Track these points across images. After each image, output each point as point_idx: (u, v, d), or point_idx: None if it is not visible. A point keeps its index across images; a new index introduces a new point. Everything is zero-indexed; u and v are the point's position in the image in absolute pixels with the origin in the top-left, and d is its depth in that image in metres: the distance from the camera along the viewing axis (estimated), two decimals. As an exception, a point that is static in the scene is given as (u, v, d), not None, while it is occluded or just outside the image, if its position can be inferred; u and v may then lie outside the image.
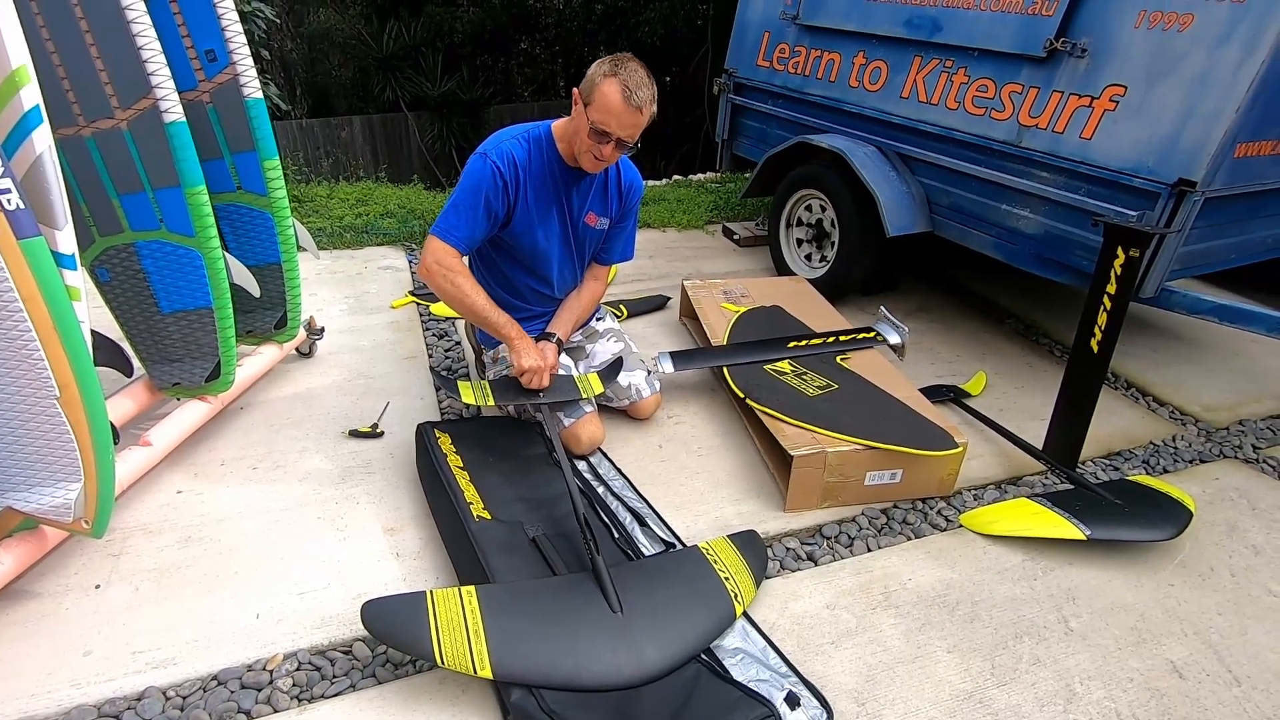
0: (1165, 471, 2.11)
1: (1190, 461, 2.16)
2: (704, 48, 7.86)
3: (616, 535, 1.67)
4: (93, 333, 1.42)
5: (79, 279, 1.29)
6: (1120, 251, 1.76)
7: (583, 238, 2.00)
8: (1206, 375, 2.69)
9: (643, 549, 1.66)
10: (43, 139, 1.20)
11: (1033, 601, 1.59)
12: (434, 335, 2.68)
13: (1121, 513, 1.77)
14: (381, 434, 2.05)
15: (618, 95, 1.64)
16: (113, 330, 1.87)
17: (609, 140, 1.70)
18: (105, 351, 1.77)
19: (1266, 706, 1.38)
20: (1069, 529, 1.71)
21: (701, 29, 7.90)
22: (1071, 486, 1.94)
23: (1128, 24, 2.11)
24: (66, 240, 1.27)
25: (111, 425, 1.42)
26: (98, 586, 1.52)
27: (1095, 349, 1.86)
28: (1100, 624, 1.54)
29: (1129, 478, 2.01)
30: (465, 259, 1.89)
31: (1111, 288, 1.80)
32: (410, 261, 3.35)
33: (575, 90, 1.72)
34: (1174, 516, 1.76)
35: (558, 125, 1.84)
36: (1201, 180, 1.99)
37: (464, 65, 8.60)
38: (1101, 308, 1.83)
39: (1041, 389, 2.47)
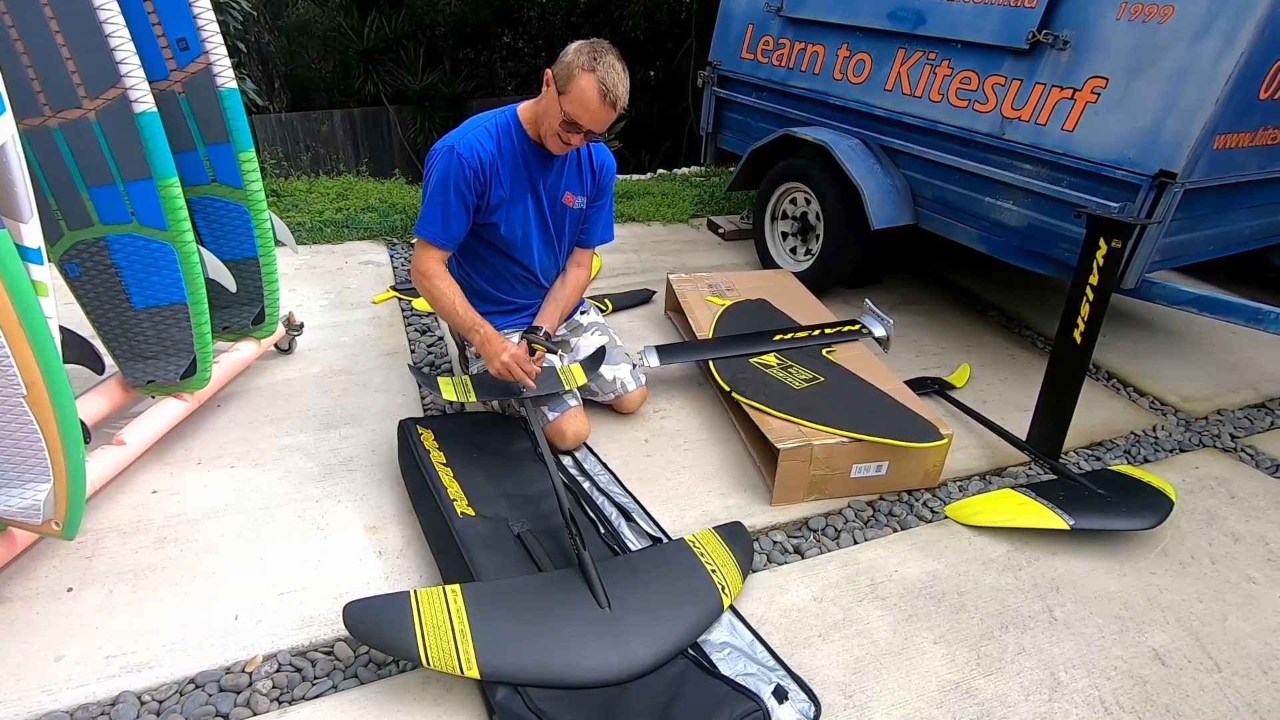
0: (1146, 461, 2.13)
1: (1170, 451, 2.18)
2: (688, 41, 7.84)
3: (603, 530, 1.66)
4: (61, 329, 1.37)
5: (46, 274, 1.25)
6: (1102, 243, 1.77)
7: (561, 219, 1.99)
8: (1186, 366, 2.72)
9: (629, 544, 1.64)
10: (5, 128, 1.16)
11: (1018, 591, 1.60)
12: (416, 331, 2.64)
13: (1104, 502, 1.78)
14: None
15: (595, 94, 1.64)
16: (84, 327, 1.82)
17: (580, 132, 1.72)
18: (75, 348, 1.72)
19: (1246, 691, 1.39)
20: (1053, 519, 1.72)
21: (685, 22, 7.87)
22: (1055, 477, 1.95)
23: (1109, 16, 2.12)
24: (32, 234, 1.22)
25: (83, 424, 1.38)
26: (69, 590, 1.48)
27: (1078, 340, 1.87)
28: (1084, 613, 1.55)
29: (1111, 467, 2.03)
30: (447, 254, 1.87)
31: (1094, 279, 1.81)
32: (392, 256, 3.31)
33: (549, 71, 1.70)
34: (1155, 505, 1.78)
35: (524, 108, 1.84)
36: (1182, 171, 2.00)
37: (446, 59, 8.52)
38: (1084, 299, 1.83)
39: (1025, 380, 2.49)
